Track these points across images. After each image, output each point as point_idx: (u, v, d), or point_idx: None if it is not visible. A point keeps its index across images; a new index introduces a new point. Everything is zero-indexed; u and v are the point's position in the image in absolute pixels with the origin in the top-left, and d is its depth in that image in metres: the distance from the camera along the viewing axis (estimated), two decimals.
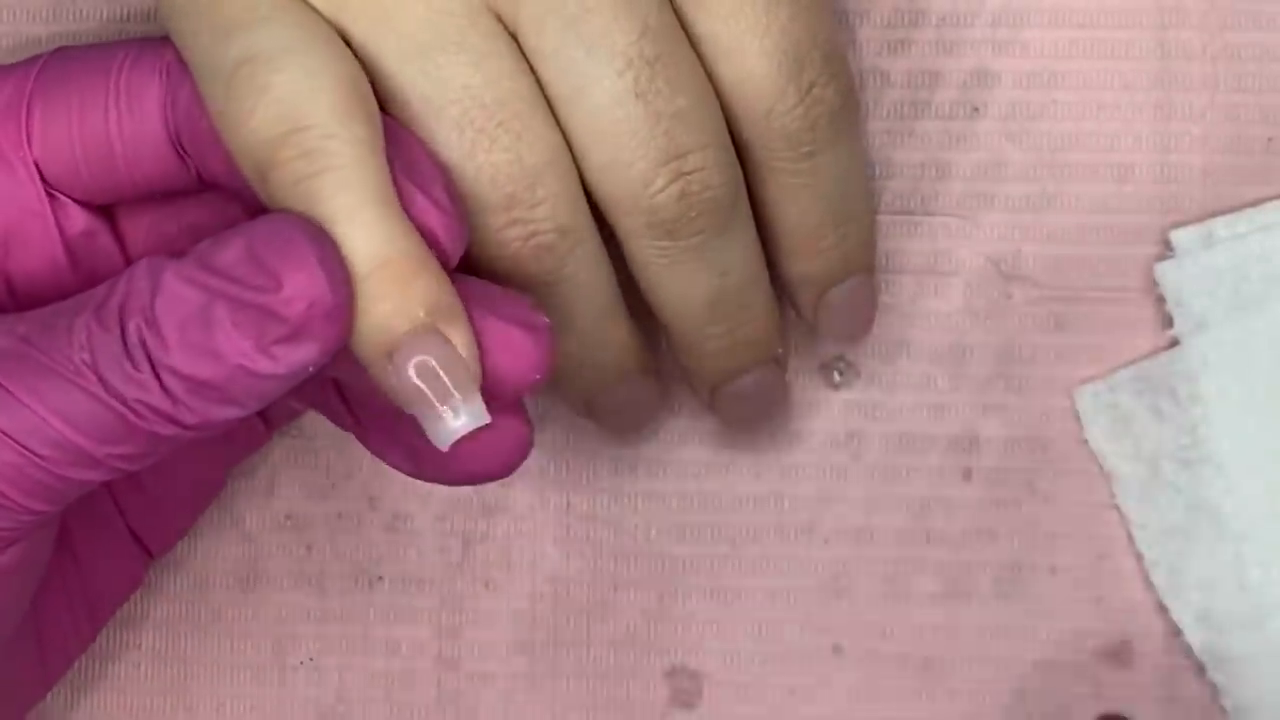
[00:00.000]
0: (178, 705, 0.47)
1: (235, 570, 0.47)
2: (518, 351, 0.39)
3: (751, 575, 0.46)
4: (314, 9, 0.40)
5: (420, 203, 0.39)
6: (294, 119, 0.38)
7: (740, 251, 0.42)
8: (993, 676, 0.46)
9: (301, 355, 0.37)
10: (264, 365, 0.37)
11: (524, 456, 0.40)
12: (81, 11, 0.47)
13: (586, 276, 0.42)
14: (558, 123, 0.41)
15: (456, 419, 0.38)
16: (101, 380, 0.37)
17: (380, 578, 0.47)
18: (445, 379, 0.38)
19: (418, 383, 0.38)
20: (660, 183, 0.40)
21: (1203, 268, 0.45)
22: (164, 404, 0.37)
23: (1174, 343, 0.45)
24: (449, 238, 0.39)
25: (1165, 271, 0.45)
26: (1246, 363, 0.45)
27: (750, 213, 0.42)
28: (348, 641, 0.47)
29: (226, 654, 0.47)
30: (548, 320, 0.40)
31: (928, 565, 0.46)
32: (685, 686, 0.47)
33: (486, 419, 0.38)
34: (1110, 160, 0.46)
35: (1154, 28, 0.46)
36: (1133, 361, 0.46)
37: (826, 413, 0.46)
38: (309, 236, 0.37)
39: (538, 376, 0.39)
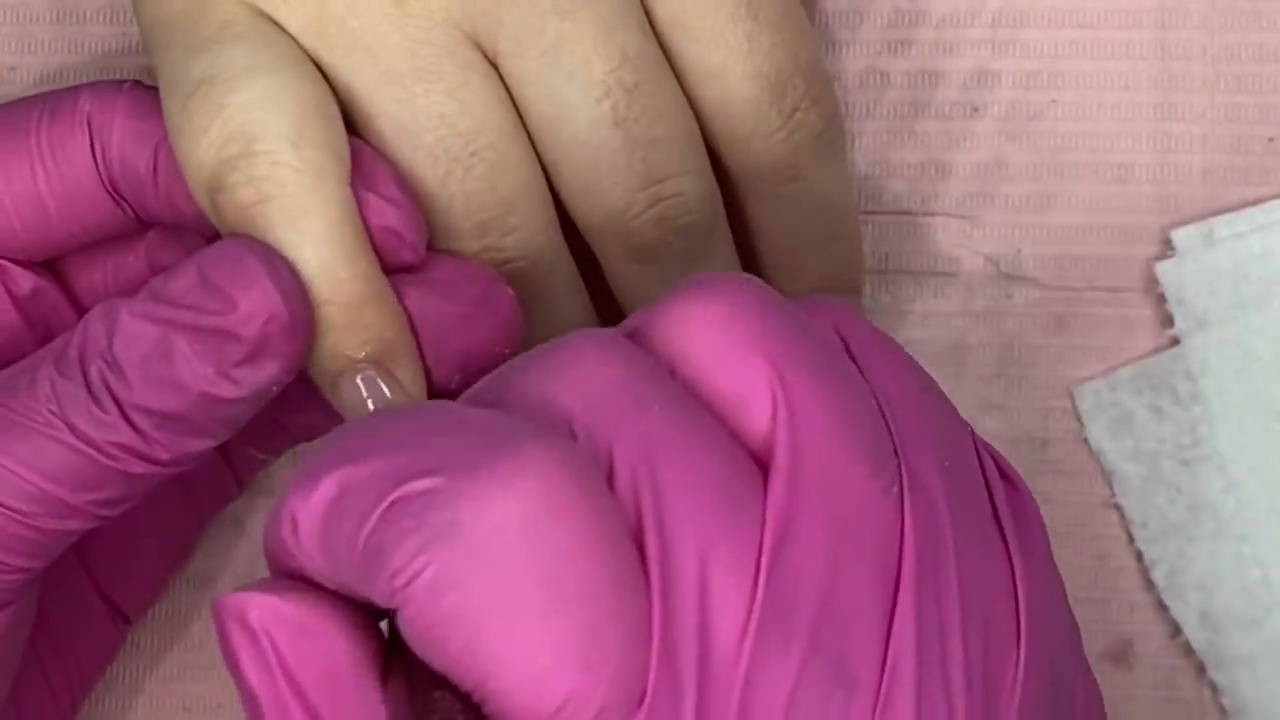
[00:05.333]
0: (176, 705, 0.47)
1: (235, 570, 0.47)
2: (485, 329, 0.40)
3: None
4: (287, 32, 0.40)
5: (373, 202, 0.39)
6: (244, 142, 0.38)
7: (718, 268, 0.42)
8: None
9: (263, 375, 0.38)
10: (227, 390, 0.37)
11: None
12: (84, 15, 0.47)
13: (559, 303, 0.42)
14: (535, 148, 0.41)
15: None
16: (71, 428, 0.38)
17: None
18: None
19: (365, 406, 0.39)
20: (638, 208, 0.41)
21: (1203, 267, 0.45)
22: (136, 442, 0.38)
23: (1174, 342, 0.45)
24: (409, 229, 0.39)
25: (1166, 271, 0.45)
26: (1247, 362, 0.45)
27: (729, 236, 0.42)
28: None
29: None
30: (511, 292, 0.40)
31: None
32: None
33: None
34: (1110, 160, 0.46)
35: (1154, 28, 0.46)
36: (1133, 360, 0.46)
37: None
38: (259, 256, 0.38)
39: (508, 350, 0.40)
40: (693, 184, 0.41)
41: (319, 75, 0.40)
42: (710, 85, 0.41)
